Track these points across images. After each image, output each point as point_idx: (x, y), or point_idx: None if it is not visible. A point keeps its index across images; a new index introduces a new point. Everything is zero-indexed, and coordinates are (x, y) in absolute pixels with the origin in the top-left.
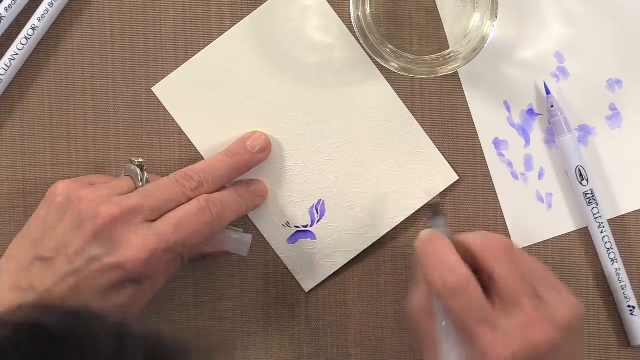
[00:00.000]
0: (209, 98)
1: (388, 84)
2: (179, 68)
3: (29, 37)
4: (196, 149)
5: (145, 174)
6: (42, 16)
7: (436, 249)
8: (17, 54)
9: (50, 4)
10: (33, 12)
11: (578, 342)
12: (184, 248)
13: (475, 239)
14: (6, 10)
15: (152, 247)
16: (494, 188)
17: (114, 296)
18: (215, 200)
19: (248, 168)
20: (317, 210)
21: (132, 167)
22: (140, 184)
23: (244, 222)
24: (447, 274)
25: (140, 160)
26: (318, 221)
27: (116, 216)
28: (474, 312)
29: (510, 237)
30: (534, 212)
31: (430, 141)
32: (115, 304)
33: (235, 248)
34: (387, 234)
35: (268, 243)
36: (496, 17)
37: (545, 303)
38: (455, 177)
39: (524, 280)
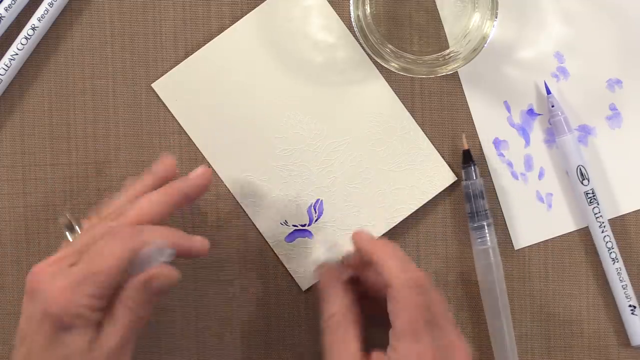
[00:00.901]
0: (208, 95)
1: (387, 85)
2: (179, 65)
3: (29, 37)
4: (196, 149)
5: (76, 228)
6: (42, 16)
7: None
8: (17, 54)
9: (50, 4)
10: (33, 12)
11: None
12: (98, 276)
13: (390, 268)
14: (6, 10)
15: (64, 284)
16: (494, 188)
17: (57, 347)
18: (127, 219)
19: (185, 196)
20: (315, 209)
21: (66, 232)
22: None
23: (237, 215)
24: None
25: (66, 219)
26: (316, 220)
27: (40, 271)
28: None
29: (510, 236)
30: (534, 212)
31: (429, 142)
32: (64, 354)
33: (153, 260)
34: (385, 234)
35: (266, 242)
36: (496, 17)
37: (445, 344)
38: (453, 178)
39: (427, 315)
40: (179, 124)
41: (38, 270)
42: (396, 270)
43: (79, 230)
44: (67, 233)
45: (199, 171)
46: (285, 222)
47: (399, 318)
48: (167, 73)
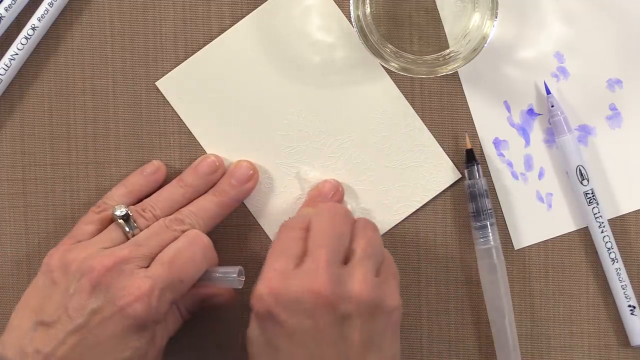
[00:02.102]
0: (212, 93)
1: (392, 82)
2: (183, 63)
3: (29, 37)
4: (196, 149)
5: (132, 221)
6: (42, 16)
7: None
8: (17, 54)
9: (50, 4)
10: (33, 12)
11: (379, 331)
12: (182, 284)
13: (311, 192)
14: (6, 10)
15: (148, 288)
16: (494, 188)
17: (121, 347)
18: (200, 228)
19: (238, 201)
20: None
21: (118, 220)
22: (130, 234)
23: (246, 217)
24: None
25: (123, 210)
26: None
27: (110, 266)
28: (280, 249)
29: (510, 236)
30: (534, 212)
31: (434, 139)
32: (125, 357)
33: (226, 279)
34: (387, 232)
35: (267, 242)
36: (496, 17)
37: (348, 272)
38: (458, 175)
39: (337, 243)
40: (178, 124)
41: (106, 265)
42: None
43: (133, 224)
44: (124, 225)
45: (251, 174)
46: None
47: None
48: (171, 72)
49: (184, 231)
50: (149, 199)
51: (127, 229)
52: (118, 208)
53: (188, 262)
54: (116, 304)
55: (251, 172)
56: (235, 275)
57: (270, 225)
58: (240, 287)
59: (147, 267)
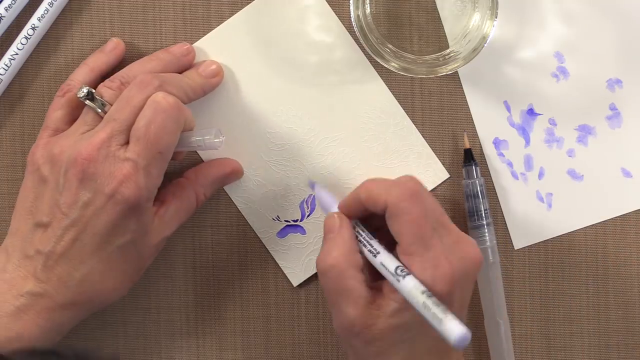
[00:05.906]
0: None
1: (382, 82)
2: None
3: (29, 37)
4: None
5: (99, 98)
6: (42, 16)
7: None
8: (17, 54)
9: (50, 4)
10: (33, 12)
11: (468, 291)
12: (162, 155)
13: (380, 196)
14: (6, 10)
15: (131, 170)
16: (494, 188)
17: (120, 232)
18: (170, 90)
19: (203, 92)
20: (307, 204)
21: (85, 102)
22: (102, 113)
23: (237, 215)
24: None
25: (85, 89)
26: (308, 216)
27: (91, 155)
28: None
29: (510, 236)
30: (534, 212)
31: (423, 139)
32: (126, 241)
33: (205, 143)
34: None
35: (259, 239)
36: (496, 17)
37: (453, 241)
38: (446, 175)
39: (429, 221)
40: None
41: (88, 155)
42: (386, 190)
43: (100, 100)
44: (92, 104)
45: (217, 71)
46: (278, 218)
47: (405, 233)
48: None
49: (155, 88)
50: (119, 71)
51: (98, 109)
52: (80, 89)
53: (160, 132)
54: (105, 192)
55: (217, 69)
56: (211, 137)
57: (258, 222)
58: (219, 147)
59: (127, 142)
